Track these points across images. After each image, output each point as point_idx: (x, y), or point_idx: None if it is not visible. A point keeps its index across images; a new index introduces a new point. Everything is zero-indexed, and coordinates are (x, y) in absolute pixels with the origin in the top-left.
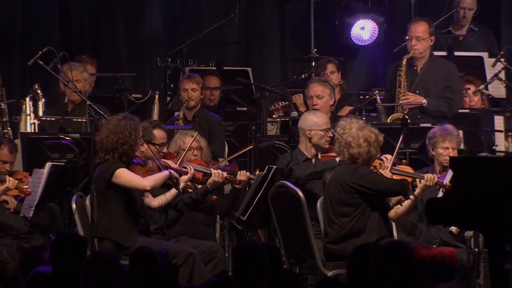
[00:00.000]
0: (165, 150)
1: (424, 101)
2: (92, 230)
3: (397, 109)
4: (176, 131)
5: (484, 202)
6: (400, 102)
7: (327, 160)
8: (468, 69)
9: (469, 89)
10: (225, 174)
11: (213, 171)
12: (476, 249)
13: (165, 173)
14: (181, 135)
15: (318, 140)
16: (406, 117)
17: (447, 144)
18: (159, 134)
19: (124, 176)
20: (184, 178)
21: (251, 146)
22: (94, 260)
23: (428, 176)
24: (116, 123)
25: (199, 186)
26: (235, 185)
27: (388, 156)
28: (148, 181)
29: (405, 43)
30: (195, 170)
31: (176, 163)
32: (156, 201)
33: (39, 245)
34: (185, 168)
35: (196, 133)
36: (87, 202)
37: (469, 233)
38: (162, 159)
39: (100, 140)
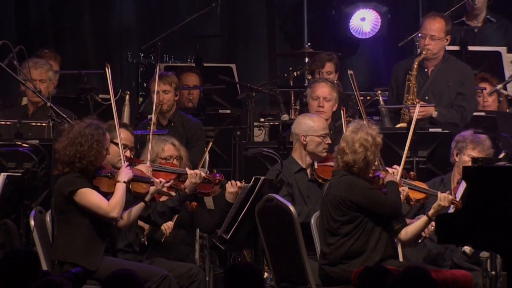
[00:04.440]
0: (128, 153)
1: (435, 113)
2: (51, 251)
3: (403, 116)
4: (148, 137)
5: (502, 218)
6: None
7: None
8: (483, 66)
9: (485, 89)
10: (203, 173)
11: (188, 171)
12: (493, 272)
13: (122, 186)
14: (159, 142)
15: (314, 147)
16: None
17: (476, 153)
18: (124, 133)
19: (88, 197)
20: (151, 189)
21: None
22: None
23: (442, 195)
24: (77, 133)
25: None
26: (225, 198)
27: (397, 167)
28: (115, 210)
29: (412, 36)
30: (167, 171)
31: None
32: (121, 221)
33: None
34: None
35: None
36: (48, 218)
37: (485, 254)
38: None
39: (58, 150)
